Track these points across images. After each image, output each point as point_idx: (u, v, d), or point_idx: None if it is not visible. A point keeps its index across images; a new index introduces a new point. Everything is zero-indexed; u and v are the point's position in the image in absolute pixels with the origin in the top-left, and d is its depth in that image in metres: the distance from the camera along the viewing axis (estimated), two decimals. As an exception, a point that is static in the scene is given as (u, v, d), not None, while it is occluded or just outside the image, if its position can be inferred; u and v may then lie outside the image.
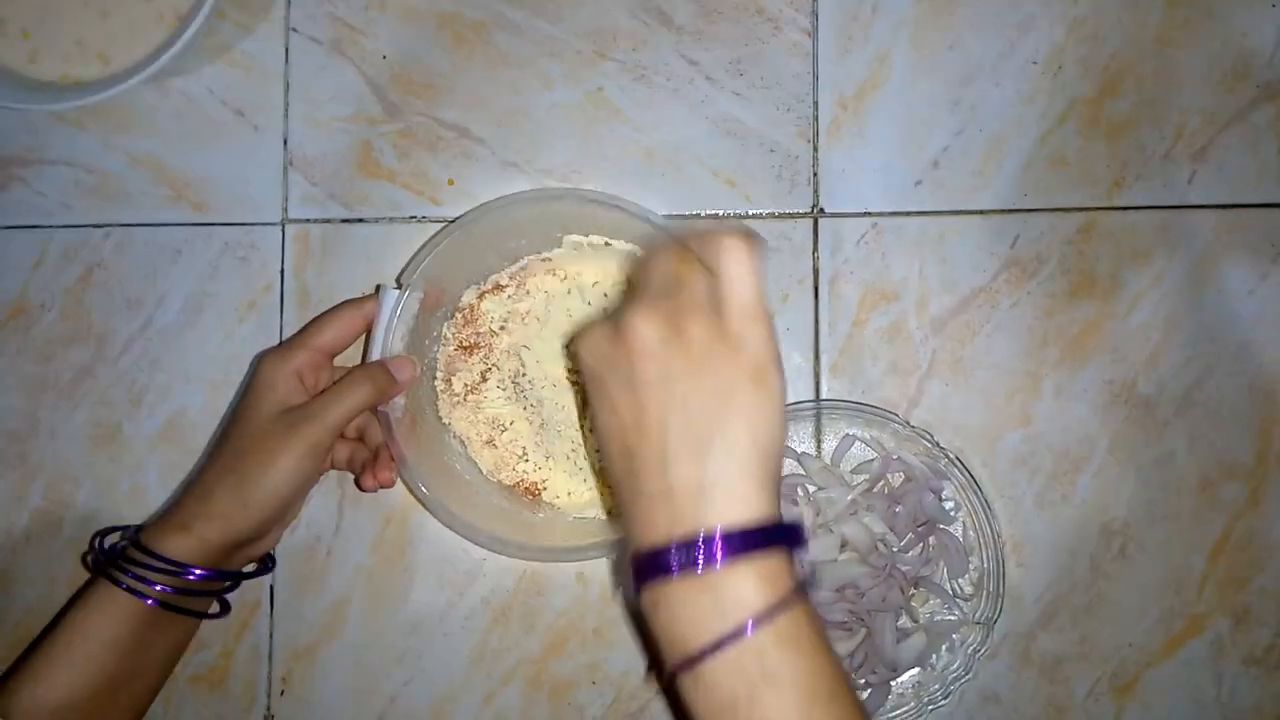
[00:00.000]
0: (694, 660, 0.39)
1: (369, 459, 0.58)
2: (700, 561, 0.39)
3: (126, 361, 0.64)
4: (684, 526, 0.39)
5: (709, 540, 0.39)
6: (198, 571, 0.53)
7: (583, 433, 0.60)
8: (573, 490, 0.61)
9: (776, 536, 0.40)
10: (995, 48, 0.62)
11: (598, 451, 0.57)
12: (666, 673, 0.40)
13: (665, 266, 0.44)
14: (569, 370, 0.61)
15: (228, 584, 0.56)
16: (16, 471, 0.64)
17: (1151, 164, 0.61)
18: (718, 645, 0.38)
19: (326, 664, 0.62)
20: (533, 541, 0.57)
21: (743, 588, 0.39)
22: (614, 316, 0.43)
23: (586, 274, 0.61)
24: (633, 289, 0.45)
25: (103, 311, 0.64)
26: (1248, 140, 0.61)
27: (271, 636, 0.63)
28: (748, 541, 0.39)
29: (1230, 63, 0.61)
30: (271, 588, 0.63)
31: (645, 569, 0.40)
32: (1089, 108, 0.61)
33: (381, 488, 0.57)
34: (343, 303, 0.60)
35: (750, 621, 0.38)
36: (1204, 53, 0.61)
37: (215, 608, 0.57)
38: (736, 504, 0.39)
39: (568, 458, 0.61)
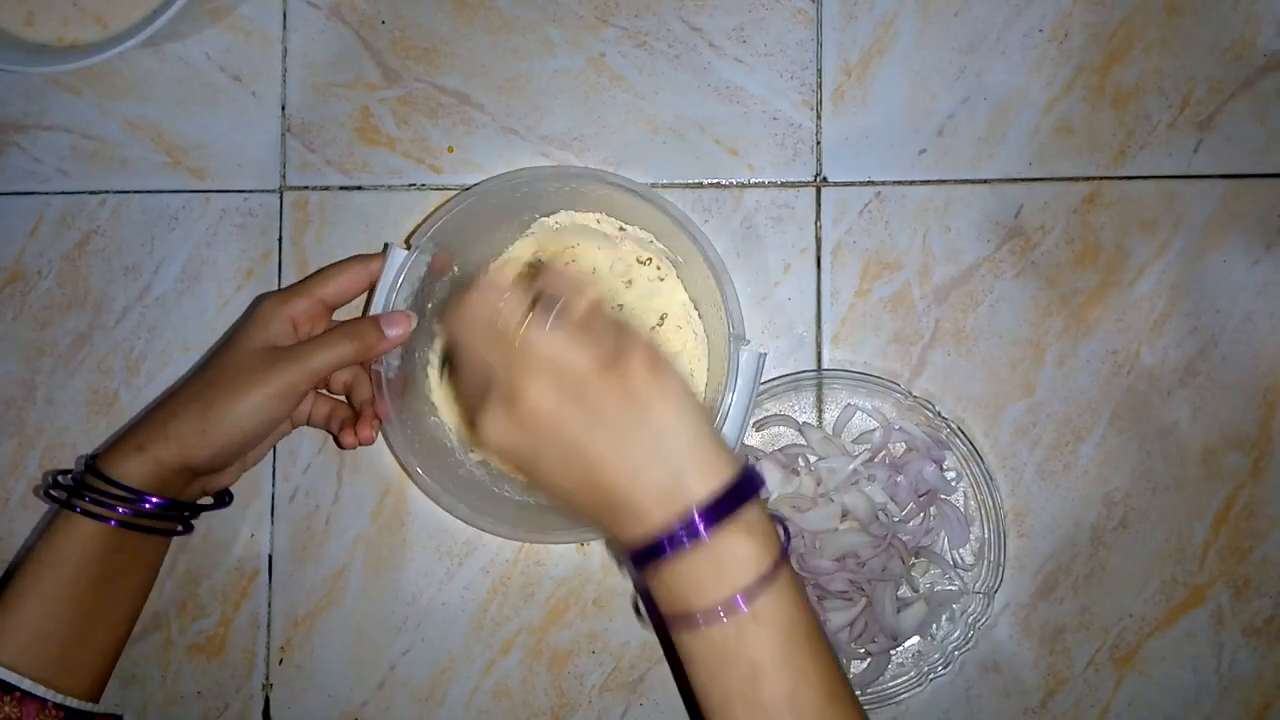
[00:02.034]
0: (693, 618, 0.42)
1: (350, 417, 0.58)
2: (688, 539, 0.42)
3: (124, 329, 0.64)
4: (668, 513, 0.42)
5: (691, 522, 0.42)
6: (153, 500, 0.53)
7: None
8: None
9: (746, 489, 0.43)
10: (1001, 14, 0.61)
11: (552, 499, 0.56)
12: (671, 628, 0.44)
13: (494, 324, 0.44)
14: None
15: (186, 514, 0.56)
16: (14, 439, 0.64)
17: (1157, 133, 0.61)
18: (718, 606, 0.42)
19: (325, 633, 0.62)
20: (508, 520, 0.56)
21: (738, 547, 0.42)
22: (494, 391, 0.43)
23: (582, 258, 0.61)
24: (473, 343, 0.45)
25: (100, 278, 0.64)
26: (1254, 110, 0.60)
27: (270, 605, 0.63)
28: (725, 506, 0.42)
29: (1238, 31, 0.61)
30: (270, 556, 0.63)
31: (641, 557, 0.43)
32: (1095, 76, 0.61)
33: (362, 444, 0.57)
34: (351, 257, 0.59)
35: (751, 580, 0.42)
36: (1211, 21, 0.61)
37: (178, 527, 0.56)
38: (706, 476, 0.43)
39: None
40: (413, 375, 0.59)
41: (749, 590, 0.42)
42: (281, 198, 0.63)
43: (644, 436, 0.43)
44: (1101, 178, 0.61)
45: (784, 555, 0.43)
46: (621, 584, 0.61)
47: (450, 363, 0.48)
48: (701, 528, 0.42)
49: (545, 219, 0.60)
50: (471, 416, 0.45)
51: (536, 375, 0.43)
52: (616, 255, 0.60)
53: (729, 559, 0.42)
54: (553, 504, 0.47)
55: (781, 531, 0.44)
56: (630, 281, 0.60)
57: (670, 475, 0.42)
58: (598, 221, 0.60)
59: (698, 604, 0.42)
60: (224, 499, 0.60)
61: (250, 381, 0.53)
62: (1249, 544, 0.60)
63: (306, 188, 0.63)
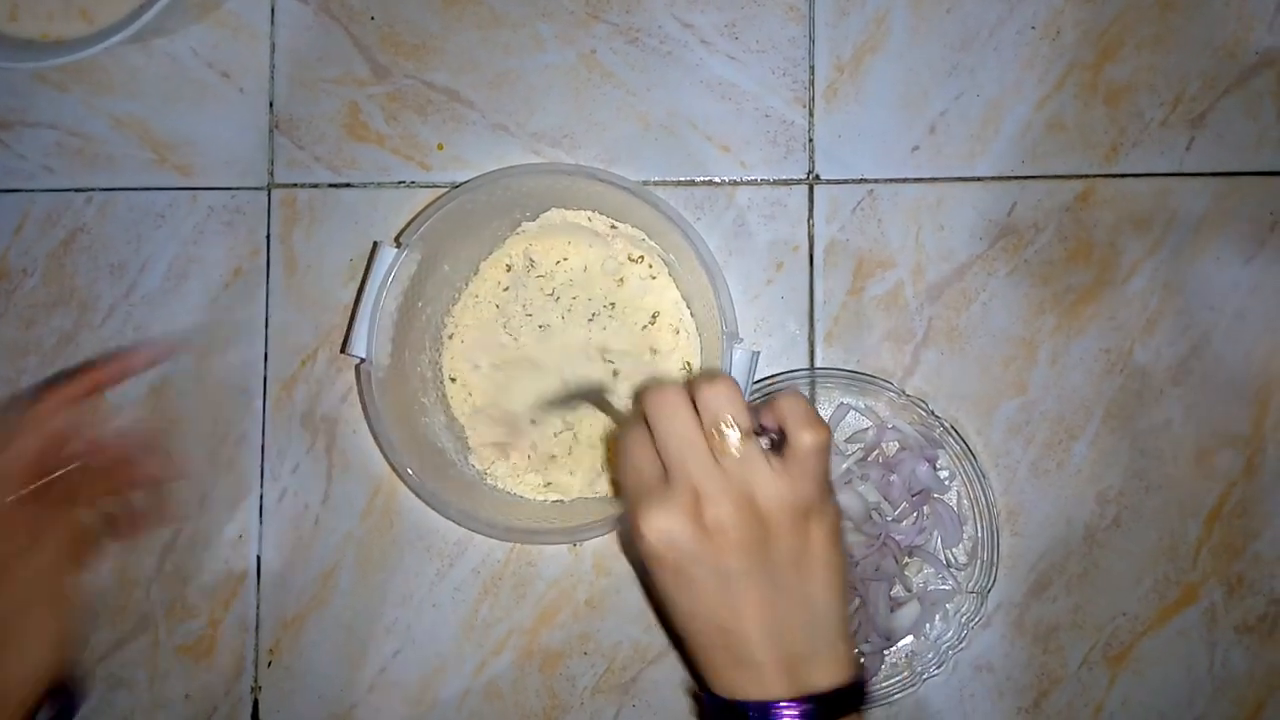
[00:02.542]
0: None
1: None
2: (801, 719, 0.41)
3: (110, 327, 0.63)
4: (789, 689, 0.41)
5: (811, 701, 0.41)
6: None
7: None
8: (546, 478, 0.60)
9: (860, 697, 0.43)
10: (994, 11, 0.61)
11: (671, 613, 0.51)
12: None
13: (716, 426, 0.42)
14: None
15: None
16: (-2, 439, 0.63)
17: (1150, 130, 0.61)
18: None
19: (315, 634, 0.62)
20: (503, 520, 0.56)
21: None
22: (677, 492, 0.41)
23: (574, 256, 0.60)
24: (674, 436, 0.42)
25: (86, 277, 0.63)
26: (1247, 107, 0.60)
27: (259, 607, 0.62)
28: (848, 700, 0.42)
29: (1230, 29, 0.60)
30: (258, 557, 0.62)
31: (737, 714, 0.42)
32: (1087, 73, 0.61)
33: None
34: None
35: None
36: (1203, 18, 0.61)
37: None
38: (835, 666, 0.42)
39: (547, 447, 0.60)
40: (404, 376, 0.58)
41: None
42: (269, 195, 0.63)
43: (799, 601, 0.42)
44: (1094, 175, 0.61)
45: None
46: (613, 584, 0.61)
47: (625, 433, 0.45)
48: (819, 714, 0.41)
49: (536, 217, 0.60)
50: (633, 496, 0.43)
51: (734, 497, 0.41)
52: (608, 253, 0.60)
53: None
54: (668, 618, 0.45)
55: None
56: (622, 280, 0.60)
57: (805, 650, 0.41)
58: (589, 219, 0.59)
59: None
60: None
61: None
62: (1241, 542, 0.59)
63: (295, 185, 0.63)
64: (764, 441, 0.43)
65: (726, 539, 0.41)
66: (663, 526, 0.41)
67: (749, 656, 0.41)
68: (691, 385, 0.43)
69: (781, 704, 0.40)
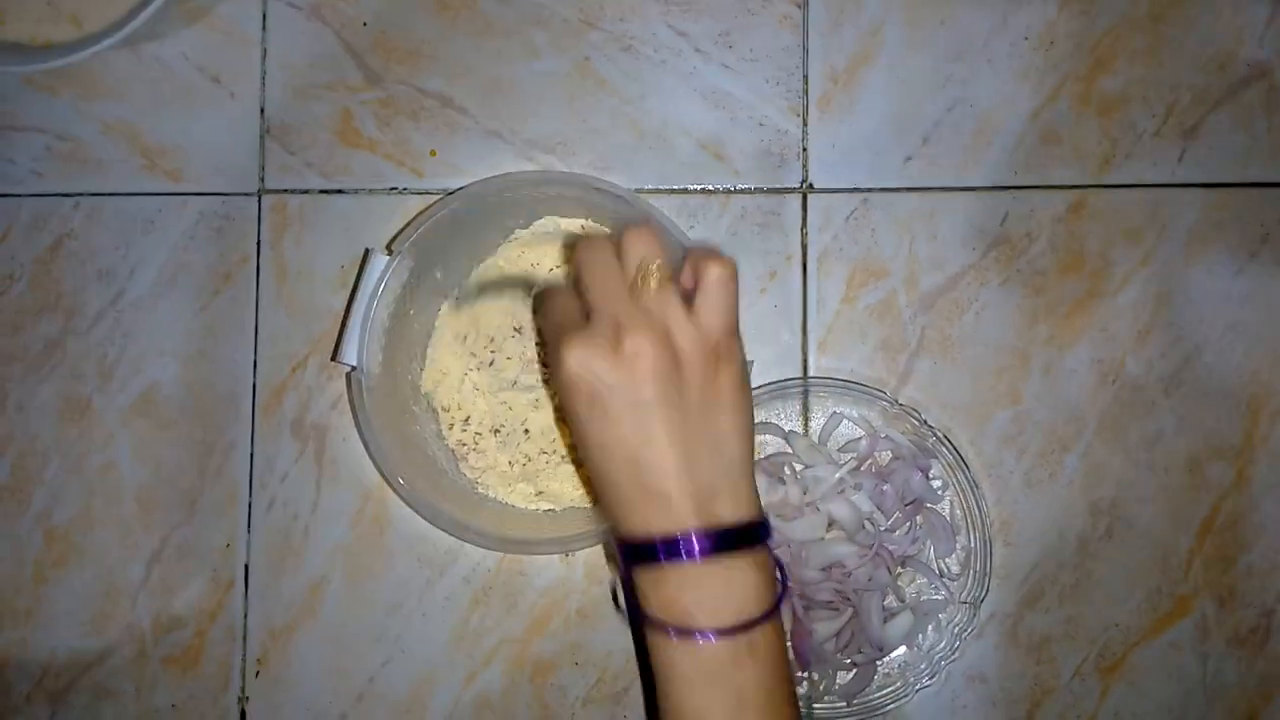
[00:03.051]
0: (681, 626, 0.42)
1: None
2: (709, 550, 0.42)
3: (98, 334, 0.62)
4: (696, 520, 0.43)
5: (717, 534, 0.43)
6: None
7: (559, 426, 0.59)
8: (538, 486, 0.60)
9: (766, 529, 0.45)
10: (987, 23, 0.61)
11: (571, 448, 0.56)
12: (650, 632, 0.44)
13: (638, 272, 0.45)
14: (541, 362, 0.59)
15: None
16: (-17, 446, 0.62)
17: (1142, 142, 0.61)
18: (711, 633, 0.42)
19: (303, 644, 0.61)
20: (494, 530, 0.55)
21: (740, 576, 0.43)
22: (598, 326, 0.43)
23: (567, 264, 0.60)
24: (597, 278, 0.45)
25: (73, 283, 0.63)
26: (1238, 119, 0.61)
27: (246, 616, 0.61)
28: (750, 535, 0.44)
29: (1222, 41, 0.61)
30: (247, 566, 0.61)
31: (646, 551, 0.43)
32: (1080, 84, 0.61)
33: None
34: None
35: (755, 613, 0.43)
36: (1195, 31, 0.61)
37: None
38: (740, 503, 0.44)
39: (530, 459, 0.60)
40: (395, 384, 0.58)
41: (750, 621, 0.42)
42: (260, 201, 0.62)
43: (707, 439, 0.43)
44: (1086, 186, 0.61)
45: (780, 600, 0.44)
46: (605, 594, 0.61)
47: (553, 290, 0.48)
48: (723, 545, 0.42)
49: (529, 225, 0.59)
50: (554, 334, 0.45)
51: (650, 330, 0.43)
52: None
53: (739, 585, 0.43)
54: (581, 458, 0.46)
55: (779, 578, 0.45)
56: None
57: (711, 485, 0.43)
58: (582, 228, 0.59)
59: (697, 619, 0.42)
60: None
61: None
62: (1233, 553, 0.60)
63: (286, 191, 0.62)
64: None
65: (643, 367, 0.42)
66: (581, 354, 0.43)
67: (657, 486, 0.43)
68: (617, 236, 0.45)
69: (690, 534, 0.42)
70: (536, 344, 0.59)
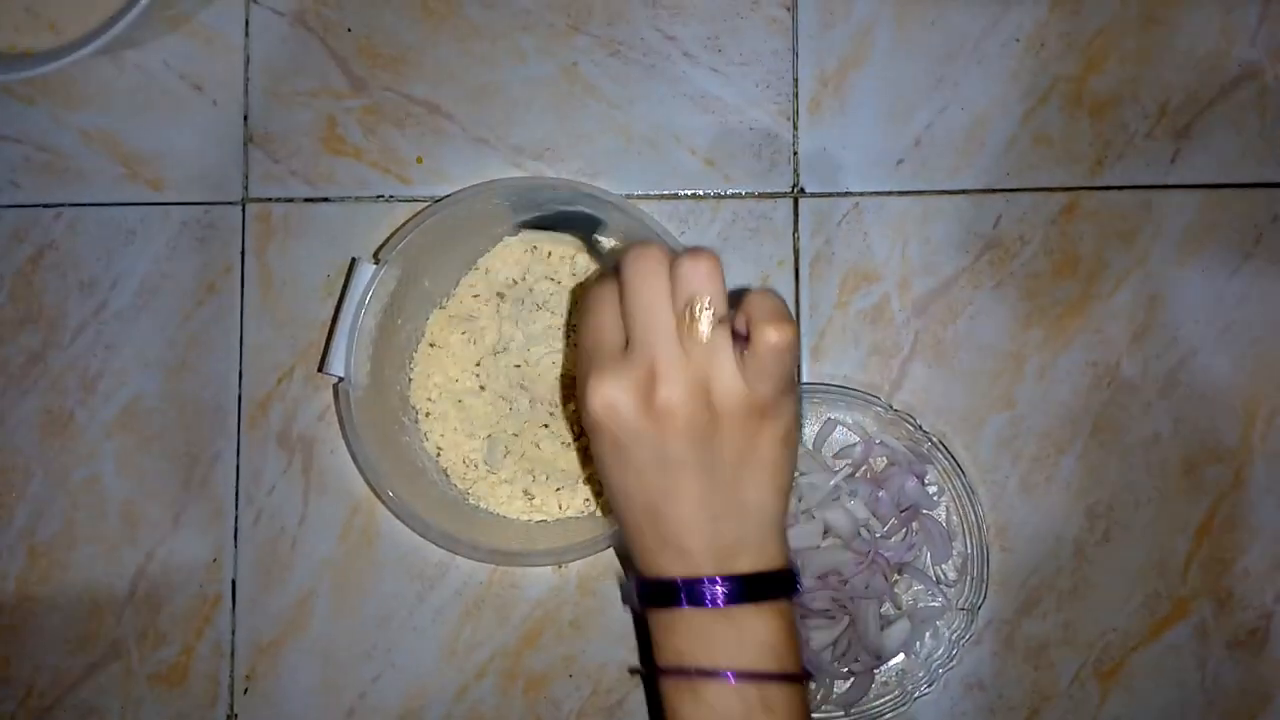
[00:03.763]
0: (695, 674, 0.41)
1: None
2: (724, 599, 0.40)
3: (79, 346, 0.61)
4: (715, 569, 0.41)
5: (739, 580, 0.41)
6: None
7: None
8: (530, 496, 0.59)
9: (790, 582, 0.43)
10: (978, 24, 0.61)
11: (599, 492, 0.54)
12: (659, 674, 0.42)
13: (688, 307, 0.40)
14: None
15: None
16: (-37, 462, 0.61)
17: (1135, 143, 0.60)
18: (730, 674, 0.40)
19: (292, 660, 0.60)
20: (485, 542, 0.54)
21: (761, 627, 0.41)
22: (634, 365, 0.40)
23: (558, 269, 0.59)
24: (642, 303, 0.41)
25: (54, 294, 0.62)
26: (1231, 120, 0.60)
27: (234, 632, 0.60)
28: (770, 586, 0.42)
29: (1213, 41, 0.60)
30: (234, 581, 0.60)
31: (663, 593, 0.42)
32: (1072, 85, 0.60)
33: None
34: None
35: (771, 668, 0.41)
36: (1187, 31, 0.61)
37: None
38: (764, 556, 0.42)
39: (521, 460, 0.59)
40: (384, 394, 0.57)
41: (766, 674, 0.40)
42: (244, 210, 0.61)
43: (737, 500, 0.41)
44: (1079, 188, 0.60)
45: (807, 675, 0.42)
46: (599, 605, 0.60)
47: (593, 292, 0.43)
48: (745, 593, 0.41)
49: (518, 231, 0.59)
50: (588, 356, 0.41)
51: (690, 382, 0.39)
52: (590, 267, 0.59)
53: (751, 633, 0.41)
54: (604, 490, 0.43)
55: (795, 584, 0.43)
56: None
57: (737, 542, 0.41)
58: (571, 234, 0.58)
59: (710, 667, 0.40)
60: None
61: None
62: (1231, 556, 0.59)
63: (270, 199, 0.61)
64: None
65: (673, 423, 0.39)
66: (610, 397, 0.40)
67: (676, 541, 0.41)
68: (675, 255, 0.41)
69: (710, 580, 0.40)
70: (568, 343, 0.58)
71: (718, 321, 0.40)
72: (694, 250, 0.41)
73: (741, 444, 0.40)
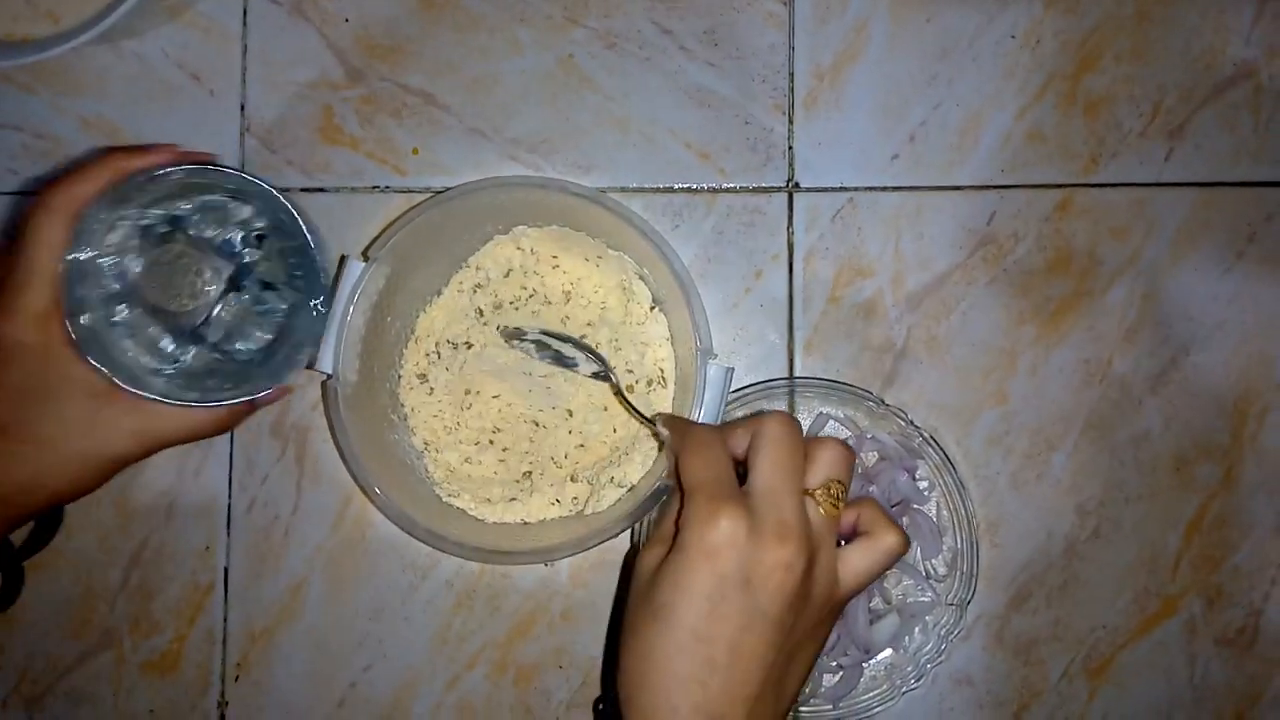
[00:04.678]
0: None
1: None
2: None
3: (75, 334, 0.61)
4: None
5: None
6: None
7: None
8: (517, 495, 0.59)
9: None
10: (973, 21, 0.61)
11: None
12: None
13: (821, 485, 0.43)
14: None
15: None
16: (-42, 448, 0.61)
17: (1129, 141, 0.61)
18: None
19: (284, 648, 0.60)
20: (471, 540, 0.54)
21: None
22: (766, 511, 0.41)
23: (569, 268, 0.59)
24: (782, 463, 0.43)
25: (50, 282, 0.62)
26: (1224, 118, 0.60)
27: (226, 620, 0.61)
28: None
29: (1208, 40, 0.61)
30: (226, 570, 0.61)
31: None
32: (1067, 83, 0.61)
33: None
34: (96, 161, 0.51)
35: None
36: (1181, 30, 0.61)
37: None
38: None
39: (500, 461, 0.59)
40: (373, 392, 0.57)
41: None
42: (241, 200, 0.62)
43: (778, 686, 0.42)
44: (1073, 185, 0.60)
45: None
46: (589, 597, 0.60)
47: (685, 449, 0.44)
48: None
49: (509, 230, 0.59)
50: (710, 485, 0.42)
51: (809, 551, 0.41)
52: (581, 278, 0.59)
53: None
54: (644, 609, 0.42)
55: None
56: (596, 291, 0.59)
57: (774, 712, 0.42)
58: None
59: None
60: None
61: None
62: (1221, 553, 0.59)
63: (267, 190, 0.62)
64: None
65: (785, 581, 0.40)
66: (740, 528, 0.40)
67: (718, 695, 0.40)
68: (812, 438, 0.45)
69: None
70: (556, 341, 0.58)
71: (842, 509, 0.43)
72: (841, 440, 0.44)
73: (814, 626, 0.42)
